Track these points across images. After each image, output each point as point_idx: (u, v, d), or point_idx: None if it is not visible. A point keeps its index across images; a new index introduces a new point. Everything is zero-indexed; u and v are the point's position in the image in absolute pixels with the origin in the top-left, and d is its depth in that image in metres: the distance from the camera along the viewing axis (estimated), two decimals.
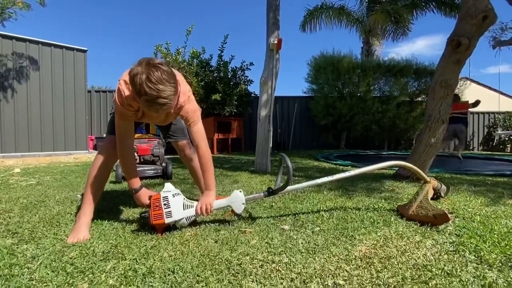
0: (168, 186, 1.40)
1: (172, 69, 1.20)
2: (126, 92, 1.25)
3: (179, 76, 1.33)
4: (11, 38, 4.44)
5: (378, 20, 8.70)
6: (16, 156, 4.51)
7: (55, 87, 4.92)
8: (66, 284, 0.89)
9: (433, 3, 8.60)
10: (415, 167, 1.66)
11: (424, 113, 2.66)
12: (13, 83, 4.55)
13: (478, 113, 9.61)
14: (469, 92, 9.43)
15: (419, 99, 8.50)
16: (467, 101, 5.56)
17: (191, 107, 1.40)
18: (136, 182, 1.43)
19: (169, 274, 0.96)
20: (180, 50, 6.77)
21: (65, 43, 4.97)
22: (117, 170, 2.86)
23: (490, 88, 15.06)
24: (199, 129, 1.42)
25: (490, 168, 4.05)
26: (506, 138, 9.30)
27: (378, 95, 8.39)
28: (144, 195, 1.43)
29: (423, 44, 44.25)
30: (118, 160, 1.45)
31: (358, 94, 8.01)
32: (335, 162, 4.68)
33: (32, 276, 0.94)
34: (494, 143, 9.48)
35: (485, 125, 9.64)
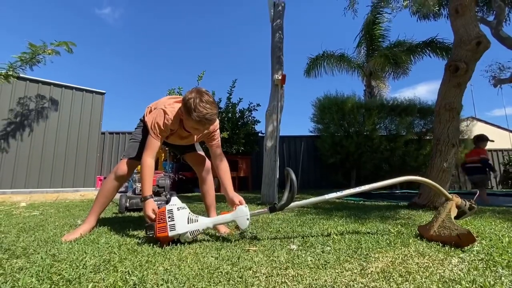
0: (174, 199, 1.42)
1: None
2: (171, 116, 1.57)
3: None
4: (37, 82, 4.84)
5: (378, 63, 9.19)
6: (25, 192, 4.53)
7: (71, 127, 5.16)
8: None
9: (428, 48, 9.12)
10: (434, 183, 1.56)
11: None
12: (32, 123, 4.80)
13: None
14: (478, 130, 9.35)
15: (427, 137, 8.44)
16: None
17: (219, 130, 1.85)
18: (149, 192, 1.54)
19: (162, 284, 0.86)
20: None
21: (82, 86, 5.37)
22: (120, 200, 2.81)
23: (498, 126, 14.94)
24: (221, 149, 1.89)
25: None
26: None
27: (385, 133, 8.39)
28: (150, 205, 1.49)
29: (424, 89, 45.81)
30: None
31: (365, 133, 8.03)
32: (346, 198, 4.50)
33: (15, 283, 0.86)
34: None
35: (500, 162, 9.32)
